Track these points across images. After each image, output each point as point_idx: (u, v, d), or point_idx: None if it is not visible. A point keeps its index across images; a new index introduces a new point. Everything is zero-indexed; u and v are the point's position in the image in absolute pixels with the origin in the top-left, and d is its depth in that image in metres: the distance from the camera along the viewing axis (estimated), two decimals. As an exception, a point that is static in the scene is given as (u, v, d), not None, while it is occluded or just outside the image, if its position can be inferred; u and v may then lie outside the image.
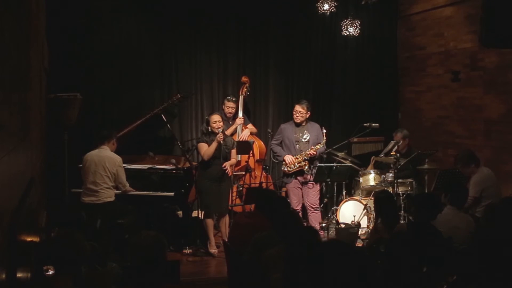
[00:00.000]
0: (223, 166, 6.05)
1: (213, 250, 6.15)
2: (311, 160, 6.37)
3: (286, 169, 6.37)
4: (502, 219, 4.03)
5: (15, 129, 2.62)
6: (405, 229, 4.33)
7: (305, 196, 6.44)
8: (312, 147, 6.32)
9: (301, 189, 6.45)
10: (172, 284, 3.43)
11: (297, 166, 6.31)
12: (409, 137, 7.05)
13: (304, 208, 6.56)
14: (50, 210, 5.38)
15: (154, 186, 6.27)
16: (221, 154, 5.99)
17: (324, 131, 6.40)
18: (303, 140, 6.41)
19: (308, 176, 6.37)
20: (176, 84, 7.50)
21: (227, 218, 6.23)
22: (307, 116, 6.43)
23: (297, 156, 6.32)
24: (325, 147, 6.56)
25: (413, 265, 2.72)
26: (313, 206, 6.42)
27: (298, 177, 6.39)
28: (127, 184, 5.88)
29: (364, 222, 6.59)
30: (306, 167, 6.30)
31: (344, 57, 8.32)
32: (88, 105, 6.63)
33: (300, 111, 6.37)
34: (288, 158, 6.32)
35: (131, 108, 7.14)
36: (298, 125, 6.43)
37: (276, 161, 6.94)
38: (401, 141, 6.94)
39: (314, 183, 6.43)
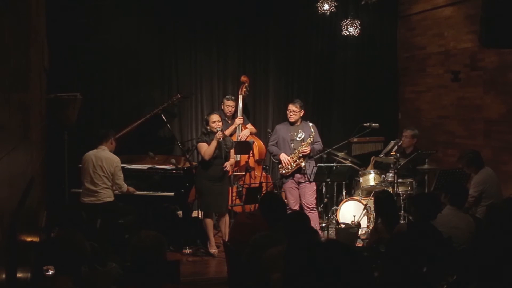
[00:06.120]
0: (223, 166, 6.07)
1: (213, 250, 6.15)
2: (307, 157, 6.35)
3: (284, 171, 6.35)
4: (503, 220, 4.03)
5: (15, 129, 2.62)
6: (405, 229, 4.32)
7: (301, 196, 6.39)
8: (303, 143, 6.31)
9: (298, 188, 6.42)
10: (172, 284, 3.42)
11: (294, 165, 6.29)
12: (418, 138, 7.04)
13: (301, 208, 6.54)
14: (50, 210, 5.38)
15: (154, 186, 6.27)
16: (223, 154, 6.01)
17: (311, 124, 6.38)
18: (297, 138, 6.40)
19: (304, 175, 6.34)
20: (176, 84, 7.50)
21: (227, 218, 6.23)
22: (301, 114, 6.43)
23: (292, 156, 6.31)
24: (322, 145, 6.54)
25: (413, 265, 2.72)
26: (310, 206, 6.34)
27: (296, 175, 6.35)
28: (124, 185, 5.82)
29: (364, 222, 6.59)
30: (303, 164, 6.28)
31: (344, 57, 8.32)
32: (88, 105, 6.63)
33: (293, 110, 6.38)
34: (284, 157, 6.32)
35: (131, 108, 7.14)
36: (292, 124, 6.44)
37: (276, 161, 6.94)
38: (409, 139, 6.92)
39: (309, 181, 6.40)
